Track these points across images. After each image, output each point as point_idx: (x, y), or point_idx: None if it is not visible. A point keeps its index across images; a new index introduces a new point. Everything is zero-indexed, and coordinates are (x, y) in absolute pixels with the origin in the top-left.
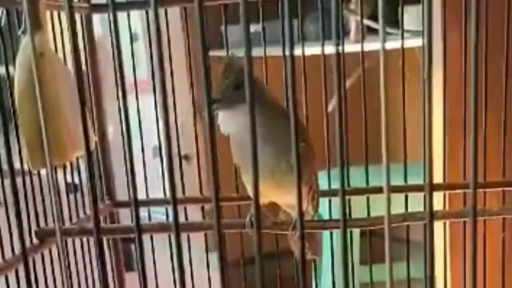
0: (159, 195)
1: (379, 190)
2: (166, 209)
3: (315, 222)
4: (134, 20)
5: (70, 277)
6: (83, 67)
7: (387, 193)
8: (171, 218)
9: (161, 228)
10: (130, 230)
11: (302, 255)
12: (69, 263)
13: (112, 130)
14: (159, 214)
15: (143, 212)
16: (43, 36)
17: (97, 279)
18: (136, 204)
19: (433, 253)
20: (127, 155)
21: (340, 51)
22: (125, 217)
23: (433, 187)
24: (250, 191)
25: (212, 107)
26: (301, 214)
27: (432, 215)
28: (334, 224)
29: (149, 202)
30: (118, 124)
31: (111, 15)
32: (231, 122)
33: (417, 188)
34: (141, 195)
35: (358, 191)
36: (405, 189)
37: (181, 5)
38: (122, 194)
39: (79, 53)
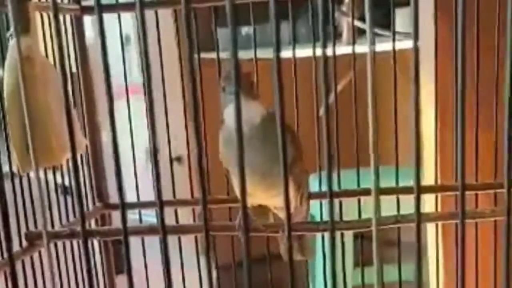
0: (153, 197)
1: (369, 192)
2: (157, 212)
3: (305, 224)
4: (126, 23)
5: (60, 279)
6: (74, 70)
7: (374, 195)
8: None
9: (149, 230)
10: (118, 233)
11: (290, 257)
12: (59, 265)
13: (106, 133)
14: (150, 217)
15: (135, 215)
16: (32, 39)
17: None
18: (123, 207)
19: (420, 256)
20: (115, 158)
21: (328, 54)
22: (119, 219)
23: (423, 189)
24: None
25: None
26: (288, 216)
27: (420, 218)
28: (324, 226)
29: (140, 205)
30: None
31: (102, 16)
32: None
33: (408, 191)
34: (135, 198)
35: (348, 193)
36: (396, 191)
37: (172, 7)
38: (115, 196)
39: (64, 55)
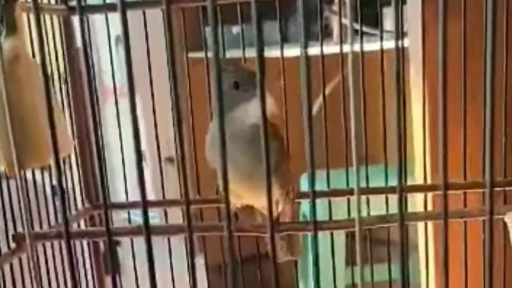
0: (148, 198)
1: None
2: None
3: (293, 223)
4: (119, 24)
5: (49, 280)
6: (62, 71)
7: (357, 195)
8: (151, 221)
9: (133, 231)
10: (103, 233)
11: (273, 257)
12: (47, 266)
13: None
14: (137, 217)
15: (125, 214)
16: (19, 39)
17: (78, 281)
18: (106, 207)
19: (405, 255)
20: (98, 158)
21: (317, 53)
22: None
23: (409, 188)
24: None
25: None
26: (271, 216)
27: (403, 217)
28: (309, 227)
29: (127, 205)
30: (103, 126)
31: (89, 16)
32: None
33: (395, 190)
34: (130, 198)
35: (337, 193)
36: (384, 190)
37: (158, 7)
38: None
39: (45, 56)
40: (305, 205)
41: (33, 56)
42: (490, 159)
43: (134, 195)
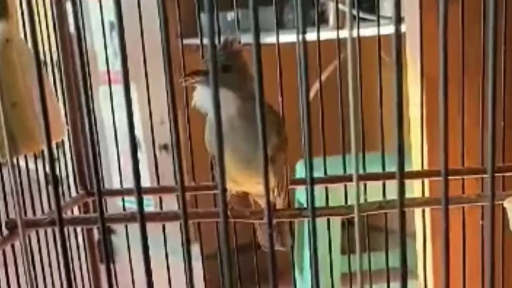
0: (143, 185)
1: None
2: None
3: (288, 210)
4: (112, 8)
5: (42, 267)
6: (55, 56)
7: (356, 181)
8: (146, 209)
9: (126, 218)
10: (94, 221)
11: (271, 243)
12: (41, 254)
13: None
14: (133, 205)
15: (128, 203)
16: (11, 24)
17: (72, 269)
18: (99, 194)
19: (404, 242)
20: (92, 145)
21: (304, 39)
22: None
23: (408, 175)
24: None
25: (195, 77)
26: (268, 203)
27: (403, 203)
28: (306, 213)
29: (122, 192)
30: (98, 113)
31: (82, 0)
32: (209, 102)
33: (393, 176)
34: (126, 185)
35: (334, 180)
36: (381, 176)
37: None
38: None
39: (37, 40)
40: (299, 193)
41: (26, 40)
42: (491, 143)
43: (130, 183)
